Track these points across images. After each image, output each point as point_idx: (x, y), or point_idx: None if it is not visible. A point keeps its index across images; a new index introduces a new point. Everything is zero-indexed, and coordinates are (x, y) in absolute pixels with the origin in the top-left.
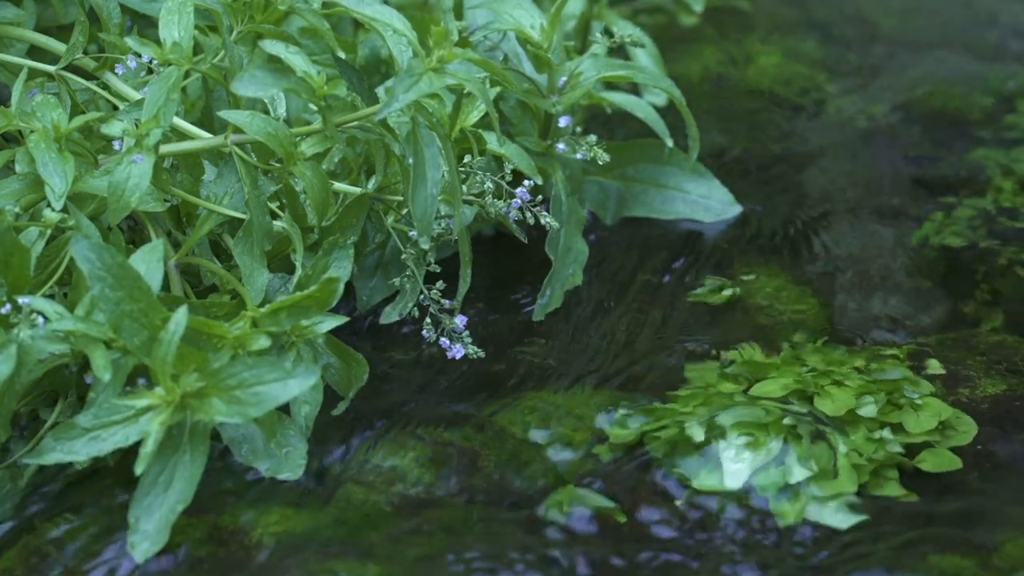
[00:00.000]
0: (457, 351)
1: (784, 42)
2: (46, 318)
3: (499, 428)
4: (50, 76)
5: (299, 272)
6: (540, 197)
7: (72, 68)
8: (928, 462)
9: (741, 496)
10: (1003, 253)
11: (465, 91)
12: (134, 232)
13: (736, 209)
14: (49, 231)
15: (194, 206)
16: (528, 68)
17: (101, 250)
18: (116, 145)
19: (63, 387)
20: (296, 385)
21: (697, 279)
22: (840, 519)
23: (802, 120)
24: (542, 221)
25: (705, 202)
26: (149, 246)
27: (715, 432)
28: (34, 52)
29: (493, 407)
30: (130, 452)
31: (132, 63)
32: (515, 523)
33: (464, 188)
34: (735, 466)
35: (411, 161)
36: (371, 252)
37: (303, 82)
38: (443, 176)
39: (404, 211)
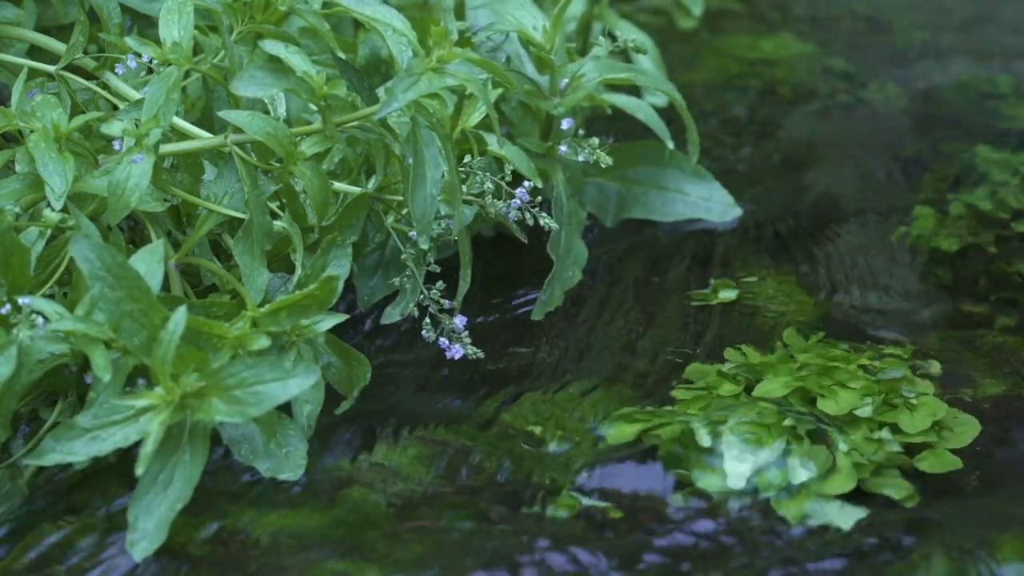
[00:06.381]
0: (456, 351)
1: (784, 42)
2: (46, 318)
3: (498, 427)
4: (50, 76)
5: (299, 272)
6: (540, 198)
7: (72, 68)
8: (928, 462)
9: (743, 496)
10: (1004, 253)
11: (467, 92)
12: (134, 232)
13: (736, 211)
14: (49, 231)
15: (194, 206)
16: (530, 69)
17: (101, 250)
18: (116, 145)
19: (63, 387)
20: (296, 384)
21: (697, 280)
22: (841, 518)
23: (801, 120)
24: (541, 222)
25: (705, 204)
26: (149, 246)
27: (716, 432)
28: (34, 52)
29: (493, 406)
30: (131, 451)
31: (132, 63)
32: (514, 522)
33: (464, 188)
34: (737, 466)
35: (411, 161)
36: (371, 252)
37: (303, 82)
38: (443, 176)
39: (404, 211)
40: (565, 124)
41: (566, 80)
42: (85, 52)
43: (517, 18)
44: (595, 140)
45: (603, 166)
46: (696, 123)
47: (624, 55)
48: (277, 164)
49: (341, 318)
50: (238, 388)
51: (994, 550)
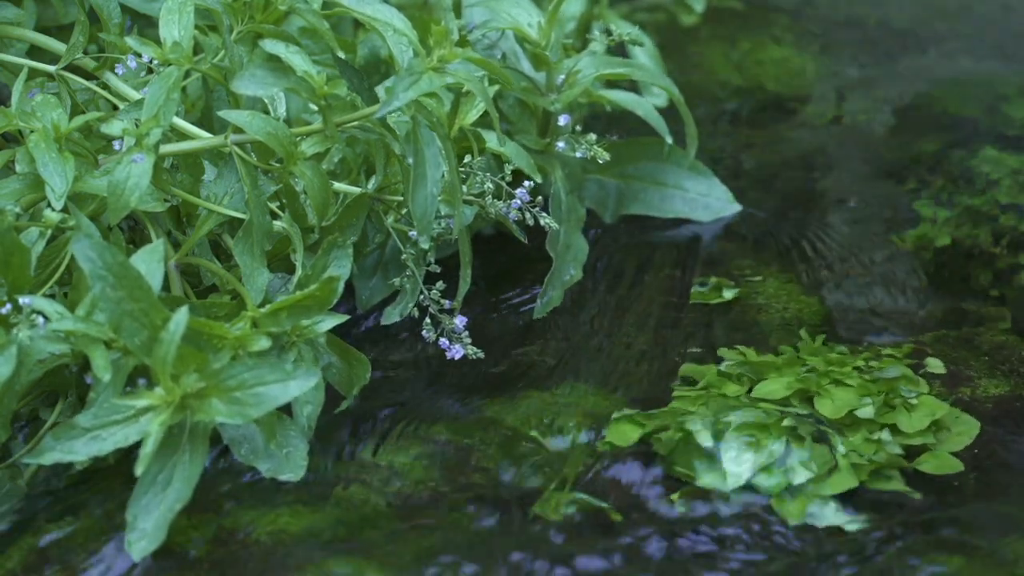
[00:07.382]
0: (456, 351)
1: (784, 42)
2: (46, 318)
3: (498, 427)
4: (50, 76)
5: (299, 272)
6: (540, 197)
7: (72, 68)
8: (929, 464)
9: (743, 497)
10: (1003, 253)
11: (464, 90)
12: (134, 232)
13: (735, 207)
14: (49, 231)
15: (194, 206)
16: (526, 66)
17: (102, 249)
18: (116, 145)
19: (63, 387)
20: (296, 386)
21: (696, 278)
22: (841, 519)
23: (802, 119)
24: (541, 222)
25: (704, 200)
26: (149, 246)
27: (716, 433)
28: (34, 52)
29: (492, 406)
30: (131, 452)
31: (132, 63)
32: (514, 523)
33: (464, 188)
34: (737, 467)
35: (411, 161)
36: (371, 252)
37: (303, 81)
38: (443, 176)
39: (404, 211)
40: (562, 120)
41: (562, 76)
42: (85, 52)
43: (512, 15)
44: (592, 136)
45: (600, 161)
46: (696, 122)
47: (623, 51)
48: (277, 164)
49: (342, 318)
50: (238, 389)
51: (994, 551)
